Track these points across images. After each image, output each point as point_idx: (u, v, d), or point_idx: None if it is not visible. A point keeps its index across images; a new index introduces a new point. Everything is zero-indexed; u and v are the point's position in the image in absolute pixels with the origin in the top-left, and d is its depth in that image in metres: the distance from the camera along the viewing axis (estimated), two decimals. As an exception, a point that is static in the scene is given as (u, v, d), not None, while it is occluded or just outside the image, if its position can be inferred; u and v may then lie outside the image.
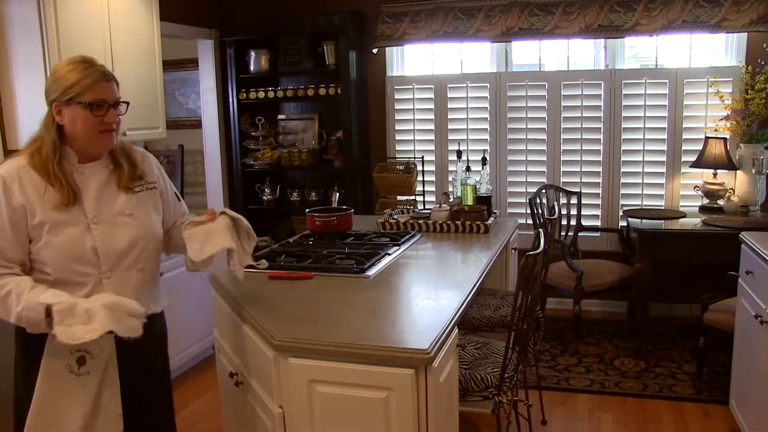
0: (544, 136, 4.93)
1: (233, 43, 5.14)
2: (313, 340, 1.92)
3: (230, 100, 5.21)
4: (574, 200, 4.82)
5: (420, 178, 4.96)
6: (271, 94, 5.17)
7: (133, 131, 3.84)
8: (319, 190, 5.27)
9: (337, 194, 3.67)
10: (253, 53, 5.19)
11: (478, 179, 3.70)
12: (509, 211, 4.98)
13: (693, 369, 4.08)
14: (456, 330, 2.09)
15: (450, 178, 5.01)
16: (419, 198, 4.96)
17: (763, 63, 4.45)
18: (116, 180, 2.08)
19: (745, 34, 4.58)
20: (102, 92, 1.97)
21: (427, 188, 5.03)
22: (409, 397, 1.81)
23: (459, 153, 3.95)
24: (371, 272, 2.57)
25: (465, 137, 5.05)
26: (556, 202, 4.63)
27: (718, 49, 4.83)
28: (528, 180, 4.97)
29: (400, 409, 1.83)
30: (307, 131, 5.38)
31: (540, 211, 4.56)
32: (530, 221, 4.69)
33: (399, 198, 4.86)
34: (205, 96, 5.24)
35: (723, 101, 4.59)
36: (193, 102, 5.42)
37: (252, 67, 5.22)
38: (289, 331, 1.98)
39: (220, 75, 5.23)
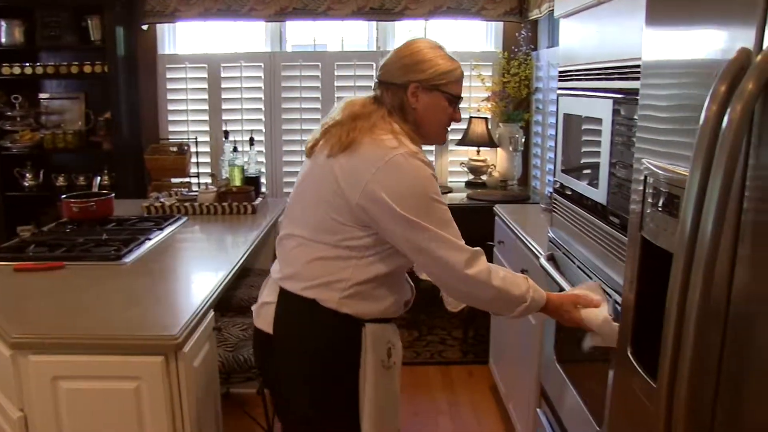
0: (319, 116, 4.98)
1: (-21, 12, 4.68)
2: (56, 334, 1.82)
3: (-22, 74, 4.74)
4: (349, 179, 4.91)
5: (194, 159, 4.85)
6: (29, 70, 4.76)
7: None
8: (88, 174, 4.97)
9: (98, 178, 3.49)
10: (3, 23, 4.74)
11: (246, 160, 3.68)
12: (285, 190, 4.99)
13: (461, 334, 4.36)
14: (212, 313, 2.08)
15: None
16: (194, 180, 4.84)
17: (516, 50, 4.79)
18: None
19: (502, 22, 4.91)
20: (462, 88, 1.87)
21: (202, 170, 4.92)
22: (159, 385, 1.78)
23: (226, 133, 3.90)
24: (129, 259, 2.48)
25: (240, 117, 4.99)
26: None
27: (481, 36, 5.14)
28: (303, 159, 4.99)
29: (152, 398, 1.80)
30: (73, 111, 5.04)
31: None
32: (307, 200, 4.73)
33: (174, 180, 4.71)
34: (-54, 69, 4.71)
35: (484, 84, 4.90)
36: (-66, 78, 4.87)
37: (4, 39, 4.77)
38: (29, 327, 1.86)
39: (-35, 46, 4.73)
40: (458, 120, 1.90)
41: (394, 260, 1.80)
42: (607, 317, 1.77)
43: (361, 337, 1.79)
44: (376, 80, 1.86)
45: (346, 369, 1.80)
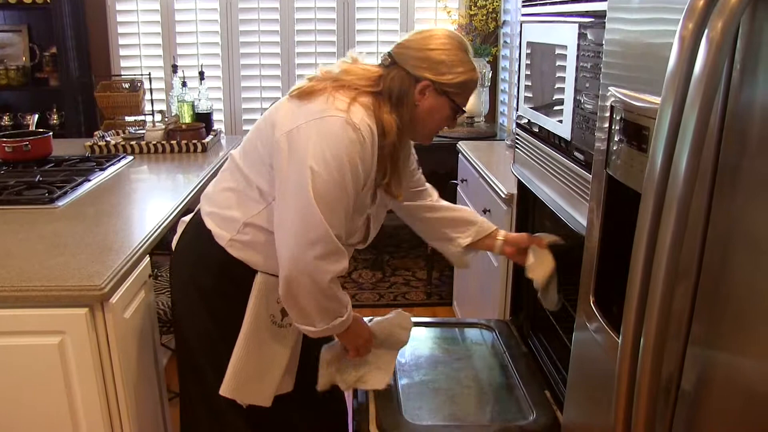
0: (278, 50, 4.76)
1: None
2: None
3: None
4: (310, 116, 4.73)
5: (148, 96, 4.61)
6: (-38, 0, 4.48)
7: None
8: (36, 112, 4.72)
9: (36, 116, 3.27)
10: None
11: (197, 95, 3.48)
12: (245, 128, 4.80)
13: (425, 275, 4.26)
14: (147, 259, 1.92)
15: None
16: (149, 118, 4.62)
17: (484, -19, 4.58)
18: None
19: (469, -51, 4.68)
20: (469, 99, 1.74)
21: (157, 107, 4.69)
22: (85, 338, 1.64)
23: (174, 67, 3.69)
24: (62, 202, 2.30)
25: (195, 52, 4.74)
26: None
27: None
28: (263, 96, 4.80)
29: (78, 353, 1.66)
30: (15, 45, 4.76)
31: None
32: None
33: (127, 119, 4.49)
34: None
35: (450, 16, 4.70)
36: None
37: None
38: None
39: None
40: (451, 128, 1.79)
41: None
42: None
43: (250, 284, 1.70)
44: (389, 54, 1.69)
45: (229, 312, 1.73)
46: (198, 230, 1.75)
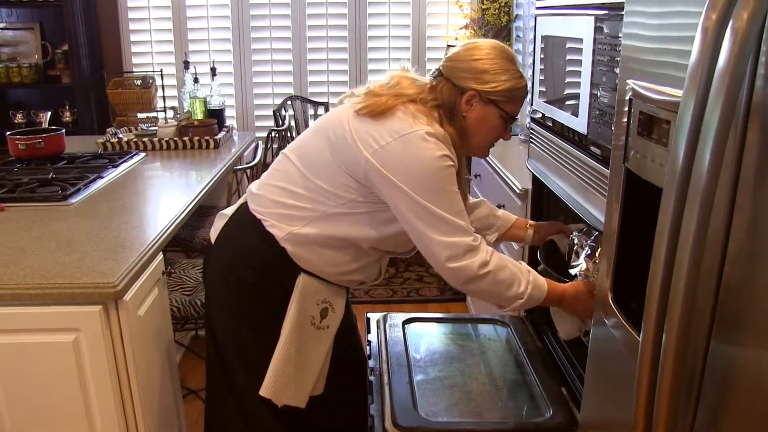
0: (290, 45, 4.75)
1: None
2: (-22, 285, 1.65)
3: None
4: (321, 111, 4.73)
5: (160, 93, 4.61)
6: (-26, -3, 4.49)
7: None
8: (48, 110, 4.73)
9: (49, 113, 3.28)
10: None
11: (209, 92, 3.48)
12: (257, 124, 4.80)
13: (438, 271, 4.25)
14: (160, 256, 1.92)
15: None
16: (161, 114, 4.62)
17: (494, -27, 4.54)
18: None
19: (480, -58, 4.65)
20: (520, 108, 1.76)
21: (169, 104, 4.69)
22: (99, 336, 1.64)
23: (186, 64, 3.69)
24: (75, 199, 2.30)
25: (207, 48, 4.74)
26: (288, 114, 4.50)
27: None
28: (275, 92, 4.79)
29: (92, 351, 1.66)
30: (28, 43, 4.77)
31: (286, 124, 4.42)
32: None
33: (140, 115, 4.49)
34: None
35: (462, 10, 4.67)
36: None
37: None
38: (-48, 278, 1.69)
39: None
40: (507, 139, 1.79)
41: (361, 230, 1.69)
42: None
43: (292, 284, 1.71)
44: (438, 69, 1.74)
45: (265, 310, 1.74)
46: (246, 223, 1.74)
